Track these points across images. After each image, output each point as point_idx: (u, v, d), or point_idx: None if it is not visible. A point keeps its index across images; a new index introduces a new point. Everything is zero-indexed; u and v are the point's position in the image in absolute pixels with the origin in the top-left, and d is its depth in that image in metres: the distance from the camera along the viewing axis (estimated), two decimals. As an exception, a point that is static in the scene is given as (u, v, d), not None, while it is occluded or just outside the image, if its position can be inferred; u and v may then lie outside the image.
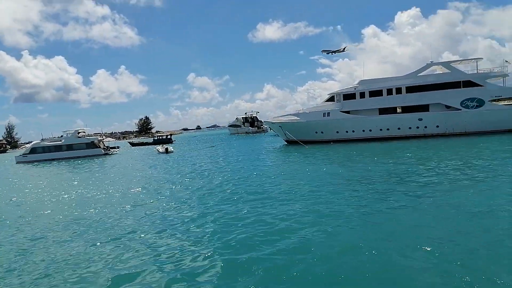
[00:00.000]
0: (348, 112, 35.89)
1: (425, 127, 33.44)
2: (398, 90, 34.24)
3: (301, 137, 37.27)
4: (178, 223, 10.83)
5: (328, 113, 36.55)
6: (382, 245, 7.57)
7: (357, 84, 36.50)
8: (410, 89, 33.96)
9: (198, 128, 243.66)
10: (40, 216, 13.99)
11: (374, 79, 36.20)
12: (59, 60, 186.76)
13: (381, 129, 34.70)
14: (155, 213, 12.41)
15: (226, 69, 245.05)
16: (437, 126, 33.13)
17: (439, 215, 9.44)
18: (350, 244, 7.80)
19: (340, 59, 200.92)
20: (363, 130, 35.32)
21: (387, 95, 34.64)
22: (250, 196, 13.69)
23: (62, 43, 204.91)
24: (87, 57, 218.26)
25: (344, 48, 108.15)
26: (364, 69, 43.15)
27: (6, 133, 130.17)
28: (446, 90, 32.91)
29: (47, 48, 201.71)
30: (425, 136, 32.95)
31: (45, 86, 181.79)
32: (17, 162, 50.28)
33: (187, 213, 12.07)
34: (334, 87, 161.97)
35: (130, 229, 10.59)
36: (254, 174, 19.33)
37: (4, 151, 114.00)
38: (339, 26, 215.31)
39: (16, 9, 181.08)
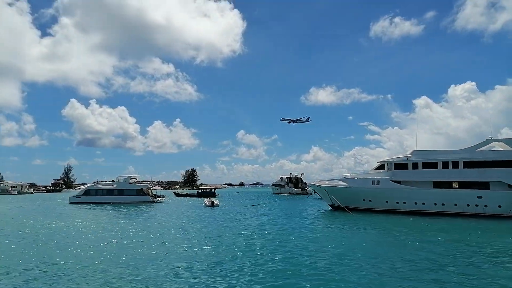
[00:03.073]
0: (399, 182, 34.62)
1: (485, 206, 31.06)
2: (455, 164, 32.71)
3: (347, 203, 36.19)
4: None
5: (378, 181, 35.51)
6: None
7: (409, 154, 35.57)
8: (468, 164, 32.31)
9: (242, 184, 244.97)
10: (88, 260, 14.48)
11: (428, 151, 35.15)
12: (121, 110, 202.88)
13: (435, 204, 32.77)
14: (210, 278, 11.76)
15: (276, 128, 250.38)
16: (499, 206, 30.67)
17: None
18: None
19: (390, 127, 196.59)
20: (416, 203, 33.56)
21: (443, 168, 33.19)
22: (305, 271, 12.94)
23: (128, 95, 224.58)
24: (147, 109, 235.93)
25: (308, 118, 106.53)
26: (417, 140, 42.42)
27: (64, 173, 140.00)
28: (509, 168, 30.92)
29: (114, 99, 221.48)
30: (484, 216, 30.50)
31: (106, 133, 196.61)
32: (70, 203, 53.19)
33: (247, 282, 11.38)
34: (383, 154, 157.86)
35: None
36: (306, 243, 18.58)
37: (60, 190, 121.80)
38: (389, 95, 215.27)
39: (94, 63, 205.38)
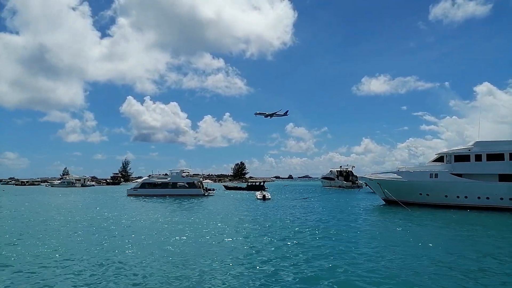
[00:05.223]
0: (460, 175, 32.52)
1: (561, 200, 28.26)
2: (524, 156, 30.04)
3: (402, 197, 34.72)
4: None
5: (436, 174, 33.60)
6: None
7: (471, 145, 33.18)
8: (540, 155, 29.52)
9: (290, 177, 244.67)
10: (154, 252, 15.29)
11: (493, 141, 32.51)
12: (173, 105, 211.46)
13: (501, 198, 30.38)
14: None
15: (326, 120, 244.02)
16: None
17: None
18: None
19: (448, 117, 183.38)
20: (479, 197, 31.33)
21: (510, 159, 30.60)
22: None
23: (180, 91, 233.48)
24: (198, 104, 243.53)
25: (286, 112, 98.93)
26: (479, 129, 38.66)
27: (122, 167, 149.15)
28: None
29: (167, 95, 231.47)
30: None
31: (160, 128, 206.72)
32: (128, 195, 56.53)
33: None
34: (440, 146, 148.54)
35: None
36: (371, 239, 17.96)
37: (118, 183, 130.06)
38: (446, 83, 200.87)
39: (148, 60, 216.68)
